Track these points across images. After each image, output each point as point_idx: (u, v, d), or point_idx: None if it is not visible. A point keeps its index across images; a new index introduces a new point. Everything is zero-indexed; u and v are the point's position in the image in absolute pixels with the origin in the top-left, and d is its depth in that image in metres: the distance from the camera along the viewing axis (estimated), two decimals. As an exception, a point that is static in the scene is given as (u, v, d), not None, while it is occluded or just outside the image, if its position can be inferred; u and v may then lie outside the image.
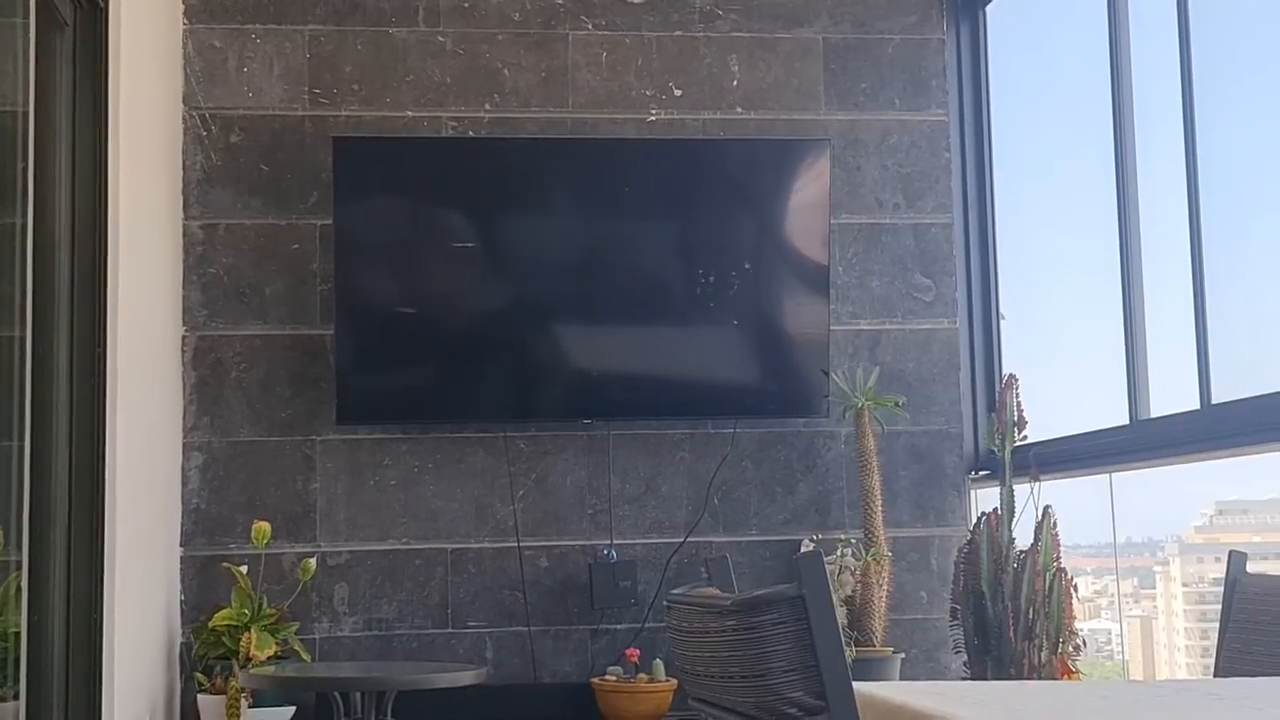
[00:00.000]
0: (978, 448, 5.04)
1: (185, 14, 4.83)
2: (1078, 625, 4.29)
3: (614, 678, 4.56)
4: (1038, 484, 4.43)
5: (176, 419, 4.68)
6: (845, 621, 4.52)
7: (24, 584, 3.27)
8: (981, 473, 5.01)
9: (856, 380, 4.78)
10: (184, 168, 4.79)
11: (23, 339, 3.30)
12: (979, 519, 4.43)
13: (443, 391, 4.73)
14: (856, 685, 2.00)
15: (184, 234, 4.78)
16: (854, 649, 4.44)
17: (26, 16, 3.30)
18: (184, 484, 4.70)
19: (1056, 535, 4.29)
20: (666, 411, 4.86)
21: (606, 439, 4.86)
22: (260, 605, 4.42)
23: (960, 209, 5.12)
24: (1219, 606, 2.77)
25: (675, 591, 2.30)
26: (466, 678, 4.02)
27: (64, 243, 3.52)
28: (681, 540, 4.86)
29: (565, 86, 4.96)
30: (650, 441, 4.89)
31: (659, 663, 4.56)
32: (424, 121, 4.89)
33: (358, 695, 4.00)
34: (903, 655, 4.62)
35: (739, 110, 5.01)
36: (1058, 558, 4.28)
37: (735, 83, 5.02)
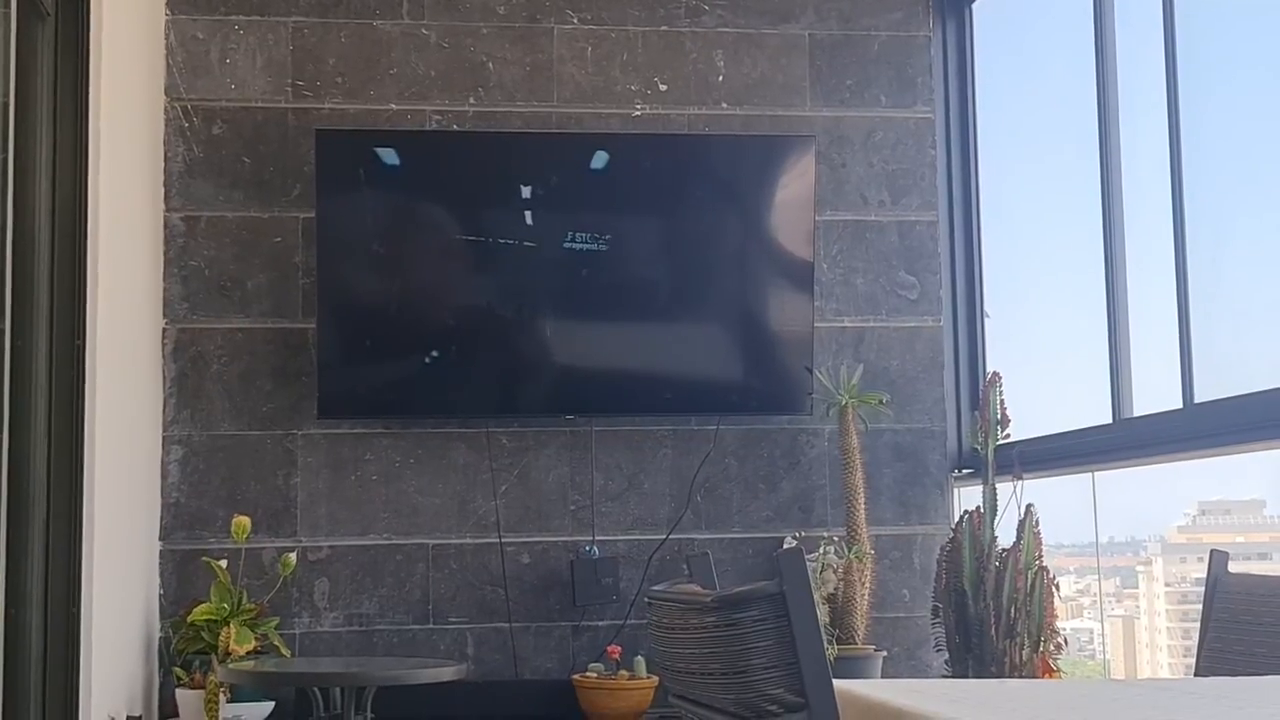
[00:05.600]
0: (961, 446, 5.04)
1: (167, 5, 4.80)
2: (1059, 624, 4.29)
3: (595, 674, 4.55)
4: (1020, 482, 4.43)
5: (156, 412, 4.66)
6: (827, 619, 4.51)
7: (1, 577, 3.25)
8: (964, 471, 5.01)
9: (840, 377, 4.78)
10: (165, 159, 4.77)
11: (1, 331, 3.28)
12: (961, 517, 4.43)
13: (425, 386, 4.71)
14: (837, 683, 1.99)
15: (165, 226, 4.76)
16: (835, 646, 4.44)
17: (7, 6, 3.28)
18: (164, 477, 4.68)
19: (1039, 534, 4.29)
20: (649, 408, 4.85)
21: (589, 435, 4.85)
22: (240, 600, 4.40)
23: (945, 206, 5.12)
24: (1201, 606, 2.77)
25: (656, 588, 2.29)
26: (447, 674, 4.01)
27: (44, 234, 3.50)
28: (664, 537, 4.85)
29: (550, 80, 4.95)
30: (633, 438, 4.88)
31: (640, 659, 4.55)
32: (408, 115, 4.87)
33: (337, 691, 3.98)
34: (884, 653, 4.62)
35: (724, 106, 5.00)
36: (1040, 556, 4.28)
37: (721, 78, 5.01)
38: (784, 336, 4.84)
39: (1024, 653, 4.21)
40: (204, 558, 4.53)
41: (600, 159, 4.82)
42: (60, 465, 3.53)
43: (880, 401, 4.80)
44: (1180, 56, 3.92)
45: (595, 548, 4.79)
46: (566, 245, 4.76)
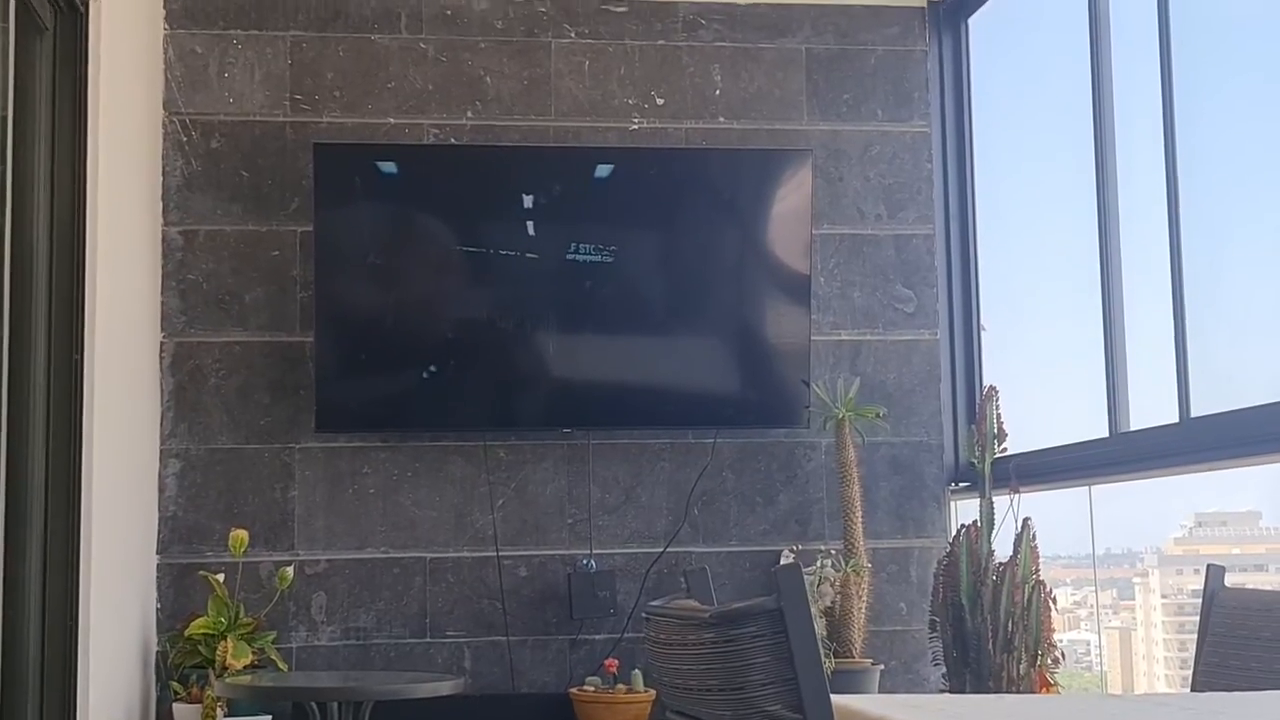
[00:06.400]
0: (958, 459, 5.04)
1: (166, 19, 4.81)
2: (1056, 636, 4.29)
3: (592, 688, 4.55)
4: (1017, 496, 4.43)
5: (154, 426, 4.66)
6: (824, 633, 4.51)
7: (-2, 591, 3.25)
8: (961, 484, 5.01)
9: (837, 391, 4.78)
10: (164, 173, 4.77)
11: (-1, 344, 3.28)
12: (958, 531, 4.43)
13: (422, 399, 4.71)
14: (835, 698, 1.99)
15: (163, 240, 4.76)
16: (833, 660, 4.44)
17: (5, 20, 3.28)
18: (161, 491, 4.68)
19: (1036, 547, 4.29)
20: (647, 421, 4.85)
21: (586, 448, 4.85)
22: (237, 614, 4.40)
23: (942, 220, 5.13)
24: (1197, 618, 2.77)
25: (654, 603, 2.30)
26: (445, 688, 4.00)
27: (42, 248, 3.50)
28: (661, 550, 4.85)
29: (548, 95, 4.96)
30: (630, 451, 4.88)
31: (637, 673, 4.55)
32: (406, 129, 4.88)
33: (334, 705, 3.98)
34: (882, 667, 4.62)
35: (721, 120, 5.01)
36: (1037, 570, 4.28)
37: (718, 92, 5.02)
38: (781, 350, 4.85)
39: (1021, 666, 4.21)
40: (201, 571, 4.53)
41: (599, 172, 4.83)
42: (58, 478, 3.53)
43: (877, 415, 4.80)
44: (1176, 71, 3.93)
45: (592, 561, 4.79)
46: (570, 257, 4.76)
